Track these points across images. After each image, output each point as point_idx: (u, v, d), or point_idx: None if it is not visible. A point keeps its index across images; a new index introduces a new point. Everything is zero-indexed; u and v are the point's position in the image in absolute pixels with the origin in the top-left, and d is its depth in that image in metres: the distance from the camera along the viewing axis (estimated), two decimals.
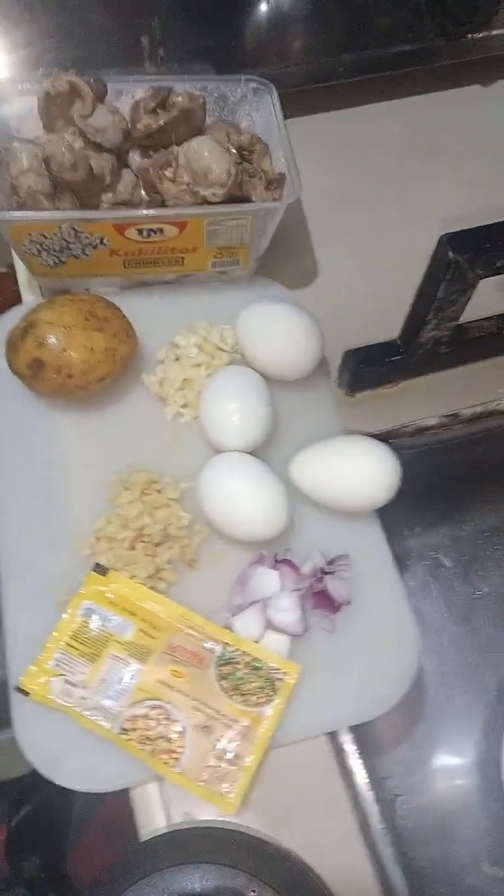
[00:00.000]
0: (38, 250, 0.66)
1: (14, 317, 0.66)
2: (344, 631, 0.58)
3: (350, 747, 0.56)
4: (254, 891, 0.46)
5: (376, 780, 0.66)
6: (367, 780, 0.55)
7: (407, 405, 0.70)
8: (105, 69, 0.74)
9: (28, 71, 0.78)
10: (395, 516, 0.78)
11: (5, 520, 0.61)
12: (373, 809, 0.54)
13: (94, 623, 0.55)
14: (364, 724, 0.56)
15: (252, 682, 0.54)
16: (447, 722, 0.72)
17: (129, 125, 0.69)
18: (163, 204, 0.67)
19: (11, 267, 0.79)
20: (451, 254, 0.55)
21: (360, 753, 0.57)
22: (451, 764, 0.70)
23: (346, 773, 0.55)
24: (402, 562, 0.77)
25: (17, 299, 0.75)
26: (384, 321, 0.68)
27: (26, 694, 0.53)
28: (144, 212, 0.65)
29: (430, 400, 0.70)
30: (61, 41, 0.79)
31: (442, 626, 0.76)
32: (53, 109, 0.69)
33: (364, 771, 0.55)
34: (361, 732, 0.60)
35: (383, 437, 0.68)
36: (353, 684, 0.56)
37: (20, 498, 0.62)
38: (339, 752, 0.55)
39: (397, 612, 0.59)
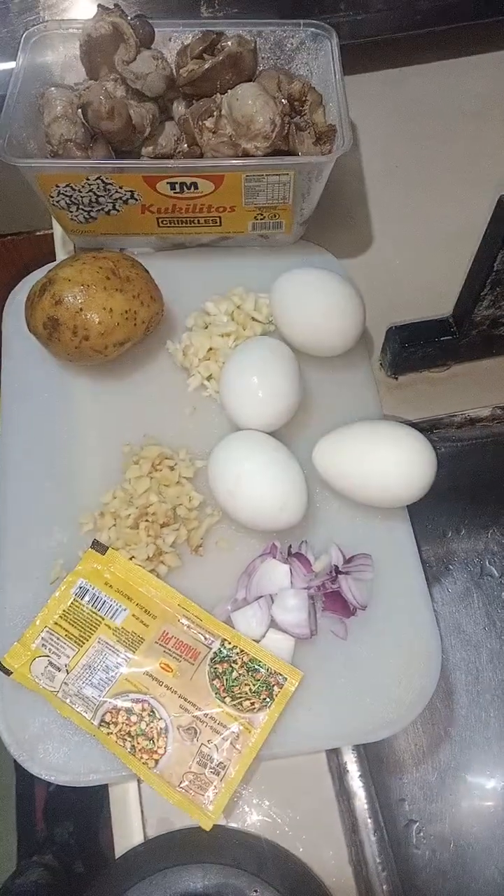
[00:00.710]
0: (68, 203, 0.62)
1: (41, 274, 0.63)
2: (357, 639, 0.52)
3: (353, 768, 0.50)
4: (256, 890, 0.45)
5: (389, 803, 0.61)
6: (367, 807, 0.49)
7: (457, 392, 0.62)
8: (158, 16, 0.69)
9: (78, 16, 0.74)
10: (437, 515, 0.71)
11: (10, 485, 0.58)
12: (370, 840, 0.48)
13: (86, 603, 0.52)
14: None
15: (247, 684, 0.49)
16: (477, 746, 0.64)
17: (174, 72, 0.64)
18: (201, 157, 0.62)
19: None
20: None
21: (369, 773, 0.51)
22: (477, 792, 0.63)
23: (346, 796, 0.49)
24: (442, 566, 0.71)
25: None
26: (440, 297, 0.61)
27: (8, 673, 0.50)
28: (173, 163, 0.60)
29: (483, 388, 0.62)
30: None
31: (481, 640, 0.68)
32: (96, 55, 0.65)
33: (366, 796, 0.49)
34: (376, 746, 0.54)
35: (427, 427, 0.61)
36: (362, 699, 0.50)
37: (28, 463, 0.59)
38: (341, 772, 0.50)
39: (420, 624, 0.52)
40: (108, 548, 0.53)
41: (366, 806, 0.49)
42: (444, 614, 0.69)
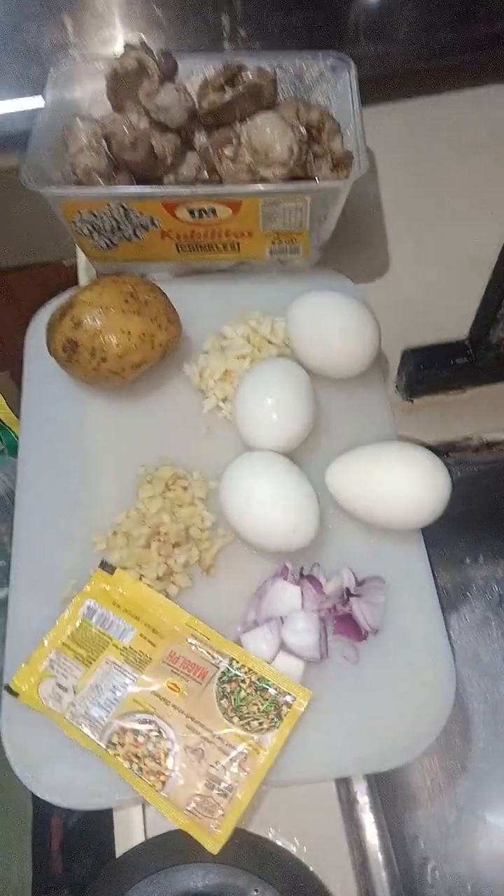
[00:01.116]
0: (90, 230, 0.63)
1: (63, 299, 0.64)
2: (369, 663, 0.51)
3: (364, 799, 0.48)
4: (256, 890, 0.44)
5: (402, 839, 0.59)
6: (379, 841, 0.47)
7: (473, 416, 0.62)
8: (182, 51, 0.71)
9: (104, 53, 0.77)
10: (455, 541, 0.70)
11: (26, 503, 0.58)
12: (381, 876, 0.46)
13: (95, 624, 0.51)
14: (399, 768, 0.48)
15: (255, 704, 0.48)
16: (496, 781, 0.62)
17: (196, 104, 0.66)
18: (220, 184, 0.63)
19: None
20: None
21: (380, 805, 0.49)
22: (496, 831, 0.61)
23: (356, 829, 0.48)
24: (460, 593, 0.69)
25: None
26: (457, 321, 0.61)
27: (16, 694, 0.50)
28: (190, 188, 0.61)
29: (500, 412, 0.62)
30: (138, 21, 0.77)
31: (500, 671, 0.66)
32: (122, 89, 0.67)
33: (377, 830, 0.47)
34: (389, 778, 0.53)
35: (443, 450, 0.61)
36: (373, 726, 0.49)
37: (44, 483, 0.59)
38: (351, 803, 0.48)
39: (434, 649, 0.51)
40: (115, 568, 0.53)
41: (377, 840, 0.47)
42: (462, 643, 0.68)
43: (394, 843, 0.49)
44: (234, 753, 0.47)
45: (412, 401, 0.62)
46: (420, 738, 0.48)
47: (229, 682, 0.49)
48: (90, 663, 0.50)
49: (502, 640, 0.67)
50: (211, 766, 0.47)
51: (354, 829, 0.47)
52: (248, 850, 0.46)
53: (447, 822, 0.61)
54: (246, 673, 0.49)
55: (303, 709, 0.48)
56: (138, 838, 0.47)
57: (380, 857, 0.47)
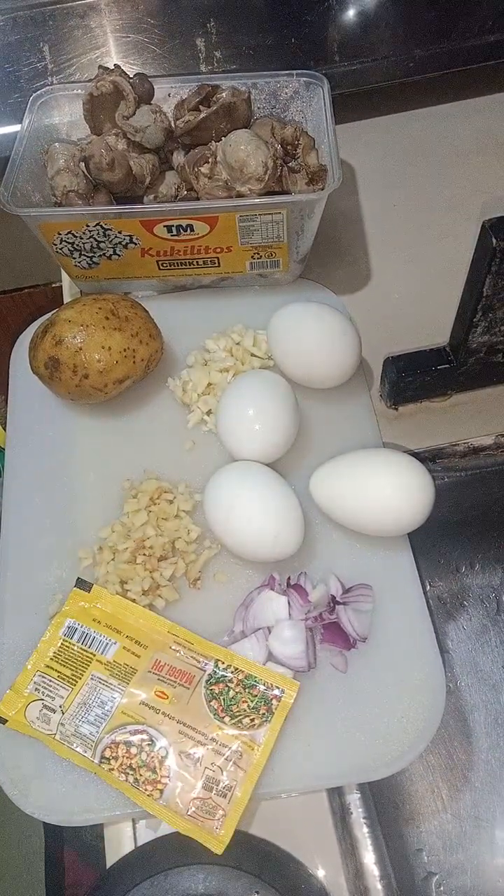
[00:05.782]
0: (70, 250, 0.64)
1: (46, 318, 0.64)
2: (358, 672, 0.50)
3: (358, 811, 0.47)
4: (257, 892, 0.44)
5: (406, 853, 0.58)
6: (375, 855, 0.46)
7: (459, 422, 0.62)
8: (159, 74, 0.73)
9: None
10: (449, 549, 0.69)
11: (13, 521, 0.58)
12: (376, 888, 0.45)
13: (76, 642, 0.51)
14: (401, 781, 0.47)
15: (245, 701, 0.48)
16: (500, 793, 0.61)
17: (173, 124, 0.67)
18: (196, 201, 0.64)
19: None
20: (494, 241, 0.47)
21: (375, 816, 0.48)
22: (502, 842, 0.60)
23: (349, 840, 0.46)
24: (457, 602, 0.68)
25: None
26: (440, 329, 0.61)
27: (3, 721, 0.49)
28: (165, 206, 0.61)
29: (486, 417, 0.61)
30: (116, 47, 0.78)
31: (500, 680, 0.65)
32: (99, 112, 0.68)
33: (372, 842, 0.46)
34: (389, 792, 0.52)
35: (429, 457, 0.60)
36: (362, 735, 0.48)
37: (31, 500, 0.59)
38: (344, 815, 0.47)
39: (423, 656, 0.50)
40: (92, 585, 0.53)
41: (371, 851, 0.46)
42: (461, 652, 0.67)
43: (396, 857, 0.48)
44: (228, 753, 0.46)
45: (397, 408, 0.62)
46: (411, 746, 0.47)
47: (217, 683, 0.48)
48: (76, 682, 0.49)
49: (501, 648, 0.66)
50: (207, 768, 0.46)
51: (348, 841, 0.46)
52: (248, 851, 0.45)
53: (450, 835, 0.59)
54: (233, 672, 0.49)
55: (292, 700, 0.48)
56: (128, 846, 0.46)
57: (375, 869, 0.46)
